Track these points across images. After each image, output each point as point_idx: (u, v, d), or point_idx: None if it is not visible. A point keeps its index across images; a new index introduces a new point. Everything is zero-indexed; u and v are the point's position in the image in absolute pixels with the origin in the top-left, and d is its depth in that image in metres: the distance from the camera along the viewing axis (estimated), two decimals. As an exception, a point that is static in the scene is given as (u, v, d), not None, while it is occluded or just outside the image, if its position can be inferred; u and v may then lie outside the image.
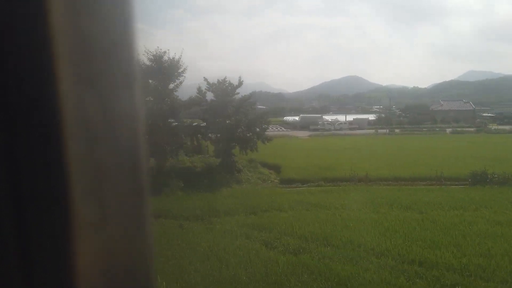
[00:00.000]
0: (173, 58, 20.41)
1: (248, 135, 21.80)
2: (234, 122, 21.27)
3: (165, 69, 19.97)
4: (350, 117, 69.72)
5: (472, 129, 57.25)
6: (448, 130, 57.28)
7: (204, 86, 23.03)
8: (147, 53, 20.19)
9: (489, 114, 77.71)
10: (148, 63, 20.24)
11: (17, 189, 0.55)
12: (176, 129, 20.62)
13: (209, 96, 23.67)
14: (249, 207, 14.58)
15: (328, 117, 70.59)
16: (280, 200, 15.53)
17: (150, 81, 20.14)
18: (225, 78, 23.43)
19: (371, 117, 72.22)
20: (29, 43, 0.53)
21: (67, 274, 0.56)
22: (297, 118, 72.15)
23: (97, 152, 0.61)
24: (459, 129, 57.24)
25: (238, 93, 22.99)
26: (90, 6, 0.60)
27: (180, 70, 20.62)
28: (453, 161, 24.70)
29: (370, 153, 30.46)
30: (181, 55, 20.66)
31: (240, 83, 22.86)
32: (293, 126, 67.05)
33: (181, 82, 20.84)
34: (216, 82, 23.23)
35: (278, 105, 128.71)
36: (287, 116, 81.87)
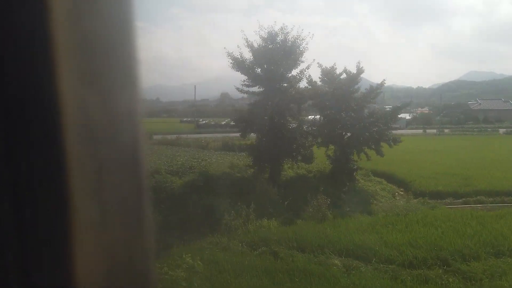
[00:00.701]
0: (299, 35, 15.53)
1: (386, 133, 17.07)
2: (375, 119, 16.58)
3: (287, 50, 15.17)
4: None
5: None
6: (502, 130, 53.13)
7: (316, 76, 18.33)
8: (261, 29, 15.46)
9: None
10: (260, 42, 15.47)
11: (17, 188, 0.55)
12: (300, 129, 15.90)
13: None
14: (482, 242, 9.98)
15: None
16: (496, 230, 10.96)
17: (266, 65, 15.35)
18: (334, 64, 18.77)
19: (408, 116, 67.89)
20: (29, 43, 0.53)
21: (66, 274, 0.56)
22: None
23: (97, 151, 0.60)
24: (514, 129, 53.09)
25: (360, 80, 18.37)
26: (90, 5, 0.59)
27: (300, 50, 15.69)
28: None
29: (476, 158, 25.85)
30: (310, 33, 15.72)
31: (361, 70, 18.18)
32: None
33: (308, 67, 16.07)
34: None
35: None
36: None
